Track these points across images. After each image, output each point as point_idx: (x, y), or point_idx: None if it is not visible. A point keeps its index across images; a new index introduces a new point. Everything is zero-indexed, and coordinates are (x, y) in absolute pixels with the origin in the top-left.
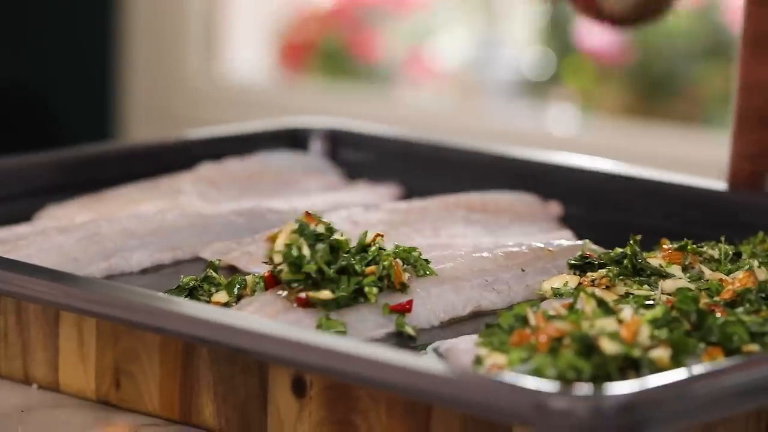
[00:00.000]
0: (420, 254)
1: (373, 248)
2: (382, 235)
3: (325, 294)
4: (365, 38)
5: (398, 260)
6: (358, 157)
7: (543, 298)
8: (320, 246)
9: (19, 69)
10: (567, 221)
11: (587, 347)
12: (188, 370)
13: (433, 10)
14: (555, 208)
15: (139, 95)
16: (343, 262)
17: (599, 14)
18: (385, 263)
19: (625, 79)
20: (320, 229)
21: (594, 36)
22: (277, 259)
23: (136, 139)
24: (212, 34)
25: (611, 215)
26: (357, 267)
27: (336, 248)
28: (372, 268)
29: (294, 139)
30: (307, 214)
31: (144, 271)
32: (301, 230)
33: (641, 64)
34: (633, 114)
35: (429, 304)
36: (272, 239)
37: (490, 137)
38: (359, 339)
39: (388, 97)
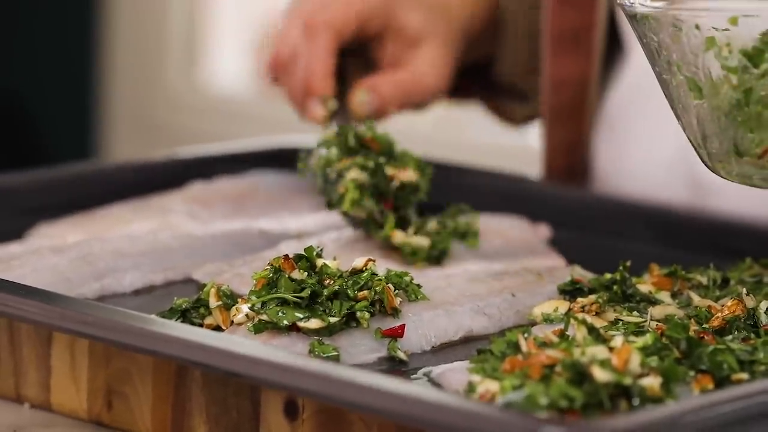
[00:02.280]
0: (411, 279)
1: (365, 273)
2: (374, 260)
3: (315, 323)
4: None
5: (390, 285)
6: None
7: (533, 323)
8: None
9: (1, 77)
10: (554, 244)
11: (579, 375)
12: (181, 391)
13: None
14: (544, 230)
15: (121, 105)
16: (335, 288)
17: (509, 120)
18: (378, 288)
19: None
20: (298, 275)
21: None
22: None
23: (118, 150)
24: (194, 44)
25: (597, 237)
26: (349, 292)
27: (325, 274)
28: (364, 293)
29: (284, 158)
30: (286, 258)
31: (136, 292)
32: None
33: None
34: None
35: (421, 328)
36: (259, 282)
37: (471, 149)
38: (352, 363)
39: None
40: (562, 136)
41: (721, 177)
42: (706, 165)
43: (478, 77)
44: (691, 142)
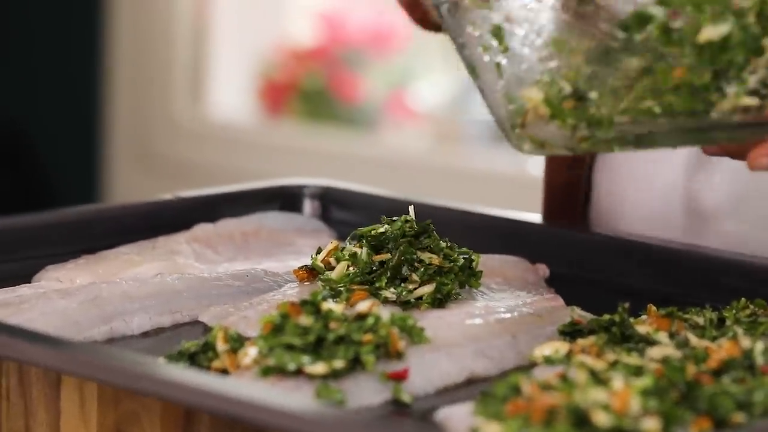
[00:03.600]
0: (415, 322)
1: (370, 317)
2: (378, 304)
3: (321, 367)
4: (346, 80)
5: (394, 329)
6: (350, 217)
7: (534, 365)
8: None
9: (4, 108)
10: (553, 282)
11: (580, 419)
12: None
13: (413, 53)
14: (543, 270)
15: (125, 136)
16: (341, 332)
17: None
18: (382, 332)
19: None
20: (305, 321)
21: None
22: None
23: (122, 181)
24: (198, 76)
25: (594, 275)
26: (354, 336)
27: (330, 318)
28: (369, 337)
29: (287, 199)
30: (293, 305)
31: (145, 334)
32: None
33: None
34: None
35: (424, 371)
36: (266, 327)
37: (469, 179)
38: (357, 406)
39: (368, 138)
40: (560, 176)
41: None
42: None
43: None
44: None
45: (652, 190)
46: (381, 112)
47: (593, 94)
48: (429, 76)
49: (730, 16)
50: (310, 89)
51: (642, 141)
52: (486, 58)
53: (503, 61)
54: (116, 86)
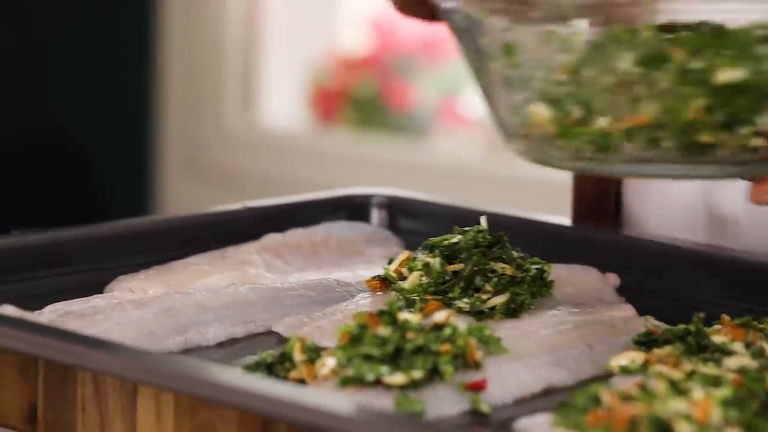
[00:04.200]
0: (492, 332)
1: (447, 327)
2: (455, 315)
3: (400, 378)
4: (397, 87)
5: (472, 339)
6: (417, 226)
7: (611, 375)
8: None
9: (57, 117)
10: (623, 292)
11: (662, 429)
12: None
13: None
14: (613, 279)
15: (177, 146)
16: (419, 342)
17: None
18: (460, 342)
19: None
20: (383, 331)
21: None
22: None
23: (174, 191)
24: (249, 85)
25: (664, 285)
26: (432, 346)
27: (407, 328)
28: (447, 347)
29: (354, 209)
30: (371, 315)
31: (219, 345)
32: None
33: None
34: None
35: (502, 381)
36: (344, 337)
37: (520, 186)
38: (436, 416)
39: (420, 146)
40: (590, 182)
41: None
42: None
43: None
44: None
45: (675, 206)
46: (432, 119)
47: (603, 121)
48: None
49: (747, 61)
50: (362, 97)
51: (644, 170)
52: (493, 68)
53: (512, 74)
54: (168, 96)
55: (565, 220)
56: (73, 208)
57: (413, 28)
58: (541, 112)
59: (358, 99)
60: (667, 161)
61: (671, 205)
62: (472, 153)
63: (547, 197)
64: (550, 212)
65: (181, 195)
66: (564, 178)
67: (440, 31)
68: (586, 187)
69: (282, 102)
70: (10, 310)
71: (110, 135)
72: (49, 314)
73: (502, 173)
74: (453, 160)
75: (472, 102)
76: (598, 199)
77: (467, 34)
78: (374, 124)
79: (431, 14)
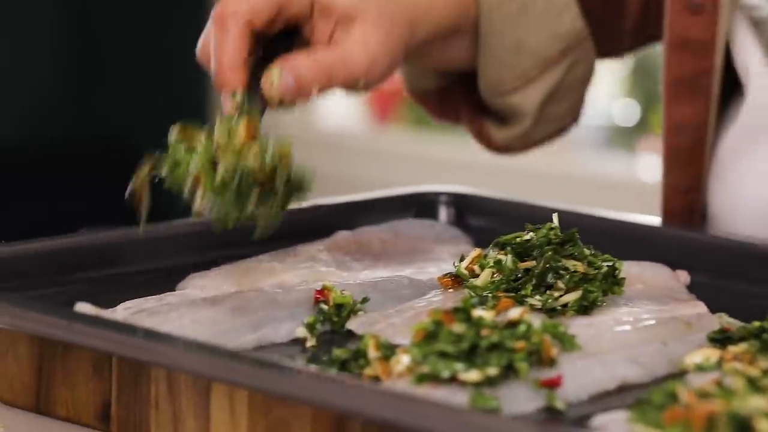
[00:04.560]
0: (566, 329)
1: (522, 324)
2: (529, 312)
3: (475, 375)
4: None
5: (547, 335)
6: (486, 224)
7: (685, 372)
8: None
9: (118, 122)
10: (693, 290)
11: (741, 426)
12: None
13: None
14: (684, 276)
15: None
16: (494, 339)
17: (489, 144)
18: (535, 339)
19: None
20: (458, 328)
21: None
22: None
23: None
24: None
25: (736, 282)
26: (507, 343)
27: (482, 325)
28: (522, 344)
29: (422, 206)
30: (446, 312)
31: (293, 342)
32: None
33: None
34: None
35: (577, 378)
36: (418, 334)
37: (579, 184)
38: (511, 413)
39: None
40: (680, 179)
41: None
42: None
43: (467, 95)
44: None
45: (764, 202)
46: None
47: None
48: None
49: None
50: None
51: None
52: None
53: None
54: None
55: (635, 217)
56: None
57: None
58: None
59: None
60: None
61: (759, 202)
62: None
63: (606, 194)
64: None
65: None
66: (620, 175)
67: None
68: (673, 203)
69: (339, 102)
70: (85, 307)
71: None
72: (123, 312)
73: (559, 171)
74: (510, 158)
75: None
76: (687, 212)
77: None
78: (430, 123)
79: (457, 118)
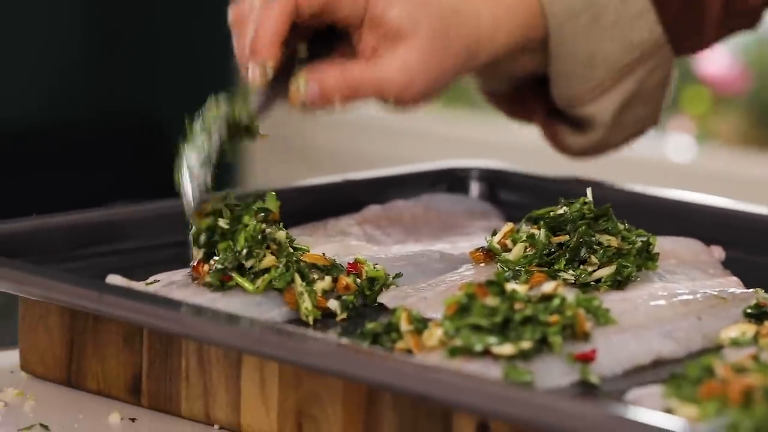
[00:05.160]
0: (601, 303)
1: (556, 298)
2: (563, 285)
3: (509, 348)
4: None
5: (581, 309)
6: (518, 199)
7: (721, 347)
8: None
9: (141, 98)
10: (728, 265)
11: None
12: (371, 414)
13: None
14: (718, 252)
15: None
16: (528, 313)
17: (564, 149)
18: (569, 313)
19: (742, 107)
20: (491, 302)
21: (712, 64)
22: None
23: (257, 168)
24: None
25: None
26: (541, 317)
27: (515, 299)
28: (556, 318)
29: (454, 181)
30: (480, 286)
31: (325, 315)
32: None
33: (758, 92)
34: (750, 142)
35: (612, 353)
36: (451, 307)
37: (608, 164)
38: (545, 388)
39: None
40: None
41: None
42: None
43: (539, 98)
44: None
45: None
46: None
47: None
48: None
49: None
50: None
51: None
52: None
53: None
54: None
55: (670, 193)
56: (159, 188)
57: None
58: None
59: None
60: None
61: None
62: None
63: (631, 174)
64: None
65: (267, 173)
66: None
67: None
68: None
69: None
70: (117, 279)
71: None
72: (154, 285)
73: None
74: (539, 137)
75: None
76: None
77: None
78: (460, 100)
79: (531, 119)
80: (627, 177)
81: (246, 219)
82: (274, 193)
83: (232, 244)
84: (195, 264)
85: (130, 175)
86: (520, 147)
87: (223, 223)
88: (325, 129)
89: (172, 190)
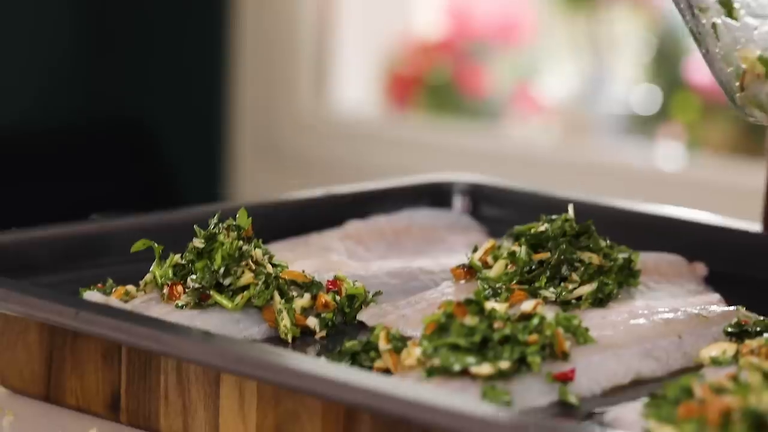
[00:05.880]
0: (580, 322)
1: (535, 317)
2: (542, 304)
3: (487, 368)
4: (472, 72)
5: (560, 329)
6: (499, 213)
7: (700, 366)
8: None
9: (130, 104)
10: (710, 281)
11: (757, 422)
12: None
13: (540, 45)
14: (700, 268)
15: (248, 130)
16: (506, 332)
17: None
18: (548, 332)
19: (733, 115)
20: (470, 321)
21: (701, 71)
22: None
23: (246, 176)
24: (322, 71)
25: (754, 274)
26: (520, 337)
27: (494, 318)
28: (534, 337)
29: (436, 195)
30: (458, 305)
31: (304, 332)
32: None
33: None
34: (740, 151)
35: (590, 372)
36: (430, 326)
37: (597, 173)
38: (524, 407)
39: (494, 131)
40: None
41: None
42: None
43: None
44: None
45: None
46: (507, 104)
47: None
48: (556, 68)
49: None
50: (436, 82)
51: None
52: (704, 20)
53: (720, 22)
54: (241, 82)
55: (652, 208)
56: (147, 195)
57: (488, 11)
58: (748, 54)
59: (432, 84)
60: None
61: None
62: (546, 139)
63: (622, 183)
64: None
65: (254, 181)
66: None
67: (515, 15)
68: None
69: (356, 88)
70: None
71: (183, 122)
72: (132, 300)
73: (577, 159)
74: (527, 146)
75: (547, 87)
76: None
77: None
78: (448, 110)
79: None
80: (617, 185)
81: (221, 237)
82: (244, 209)
83: (209, 263)
84: (169, 284)
85: (120, 180)
86: (511, 155)
87: (198, 242)
88: (315, 137)
89: (162, 195)
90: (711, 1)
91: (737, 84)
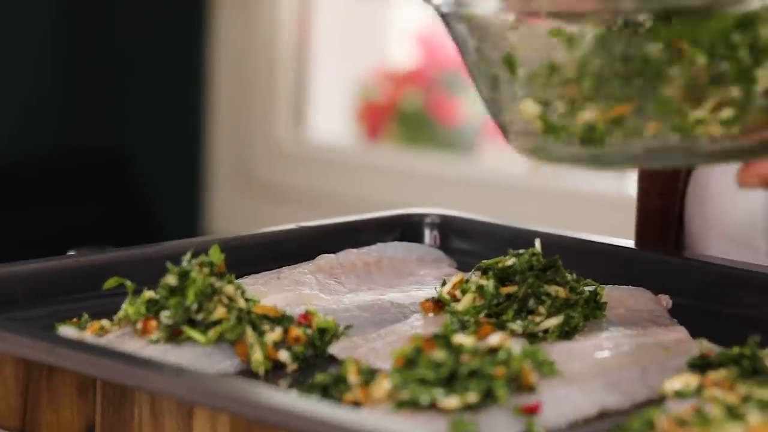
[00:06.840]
0: (546, 355)
1: (501, 351)
2: (510, 338)
3: (455, 401)
4: (444, 102)
5: (526, 362)
6: (469, 246)
7: (664, 398)
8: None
9: (107, 133)
10: (675, 314)
11: None
12: None
13: None
14: (666, 300)
15: (225, 159)
16: (474, 366)
17: None
18: (514, 365)
19: None
20: (438, 355)
21: None
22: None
23: (223, 205)
24: (298, 99)
25: (719, 308)
26: (487, 370)
27: (461, 351)
28: (501, 370)
29: (407, 228)
30: (427, 339)
31: (276, 366)
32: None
33: None
34: None
35: (556, 404)
36: (399, 360)
37: (569, 201)
38: None
39: (467, 161)
40: (656, 203)
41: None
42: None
43: None
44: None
45: (735, 218)
46: (479, 134)
47: (587, 114)
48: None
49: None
50: (409, 112)
51: (634, 159)
52: (482, 69)
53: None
54: (217, 111)
55: (619, 241)
56: (123, 224)
57: None
58: (528, 109)
59: (405, 114)
60: (652, 150)
61: (730, 223)
62: (518, 168)
63: (593, 212)
64: (597, 227)
65: (230, 210)
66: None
67: None
68: (649, 206)
69: (331, 117)
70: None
71: (160, 150)
72: (107, 335)
73: (549, 189)
74: (500, 175)
75: None
76: (662, 216)
77: (459, 33)
78: (421, 140)
79: None
80: (590, 214)
81: (194, 274)
82: (217, 245)
83: (182, 299)
84: (143, 320)
85: (98, 210)
86: (484, 185)
87: (171, 279)
88: (291, 167)
89: (140, 225)
90: (495, 58)
91: (513, 129)
